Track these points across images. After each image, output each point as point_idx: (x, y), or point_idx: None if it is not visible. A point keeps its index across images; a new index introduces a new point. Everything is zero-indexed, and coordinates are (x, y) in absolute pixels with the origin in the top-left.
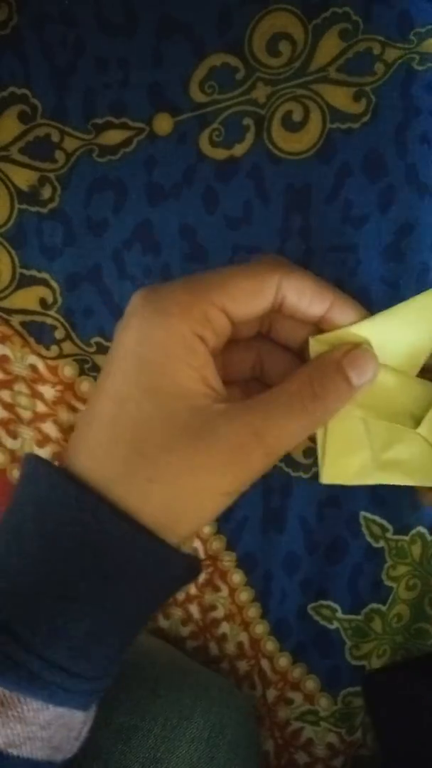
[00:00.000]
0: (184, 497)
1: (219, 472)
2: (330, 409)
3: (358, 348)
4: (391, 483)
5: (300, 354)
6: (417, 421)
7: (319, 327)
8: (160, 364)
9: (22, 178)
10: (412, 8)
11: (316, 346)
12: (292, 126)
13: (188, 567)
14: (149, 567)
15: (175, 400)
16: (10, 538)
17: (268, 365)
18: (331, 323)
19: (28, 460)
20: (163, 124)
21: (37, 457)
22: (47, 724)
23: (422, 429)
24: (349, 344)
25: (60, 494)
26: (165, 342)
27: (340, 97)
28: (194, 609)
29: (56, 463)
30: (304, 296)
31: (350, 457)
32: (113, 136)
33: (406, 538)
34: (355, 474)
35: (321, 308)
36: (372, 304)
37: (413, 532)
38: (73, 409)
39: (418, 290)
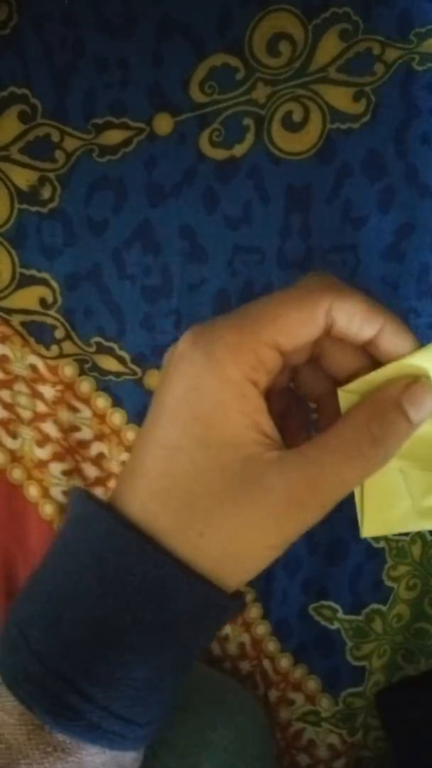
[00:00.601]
0: (235, 551)
1: (272, 527)
2: (390, 452)
3: (417, 382)
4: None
5: (346, 380)
6: None
7: (368, 351)
8: (211, 413)
9: (22, 178)
10: (412, 8)
11: (346, 397)
12: (292, 126)
13: (236, 611)
14: (208, 615)
15: (228, 451)
16: (67, 584)
17: (310, 388)
18: (379, 347)
19: (77, 497)
20: (163, 124)
21: (88, 495)
22: (102, 765)
23: None
24: (407, 377)
25: (120, 543)
26: (216, 390)
27: (340, 98)
28: None
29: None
30: (355, 319)
31: (390, 509)
32: (113, 136)
33: (407, 538)
34: (396, 524)
35: (371, 331)
36: None
37: (414, 531)
38: (73, 409)
39: (419, 291)
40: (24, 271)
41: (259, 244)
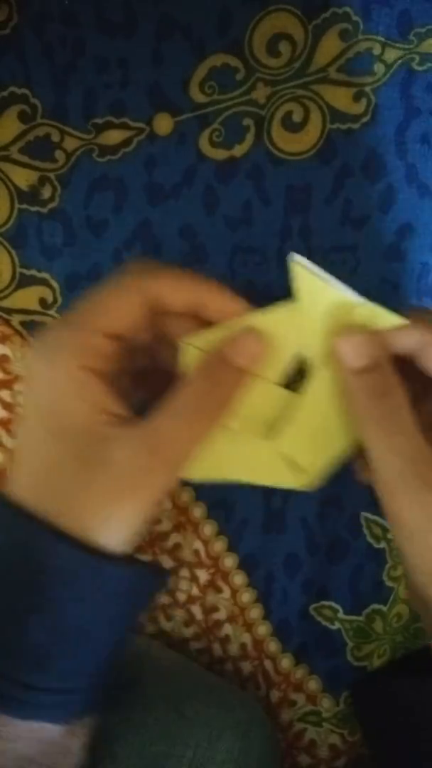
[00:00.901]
0: (97, 527)
1: (127, 499)
2: (224, 407)
3: (245, 333)
4: (246, 482)
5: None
6: (270, 429)
7: (204, 320)
8: (59, 406)
9: (22, 178)
10: (412, 8)
11: (188, 351)
12: (292, 126)
13: (136, 578)
14: (83, 575)
15: (81, 437)
16: None
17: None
18: (211, 312)
19: None
20: (163, 124)
21: None
22: (17, 737)
23: (272, 438)
24: (236, 333)
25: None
26: (55, 382)
27: (340, 98)
28: (197, 610)
29: None
30: (176, 293)
31: (216, 457)
32: (113, 136)
33: None
34: (220, 472)
35: (191, 299)
36: None
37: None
38: None
39: (419, 291)
40: (24, 271)
41: (259, 245)
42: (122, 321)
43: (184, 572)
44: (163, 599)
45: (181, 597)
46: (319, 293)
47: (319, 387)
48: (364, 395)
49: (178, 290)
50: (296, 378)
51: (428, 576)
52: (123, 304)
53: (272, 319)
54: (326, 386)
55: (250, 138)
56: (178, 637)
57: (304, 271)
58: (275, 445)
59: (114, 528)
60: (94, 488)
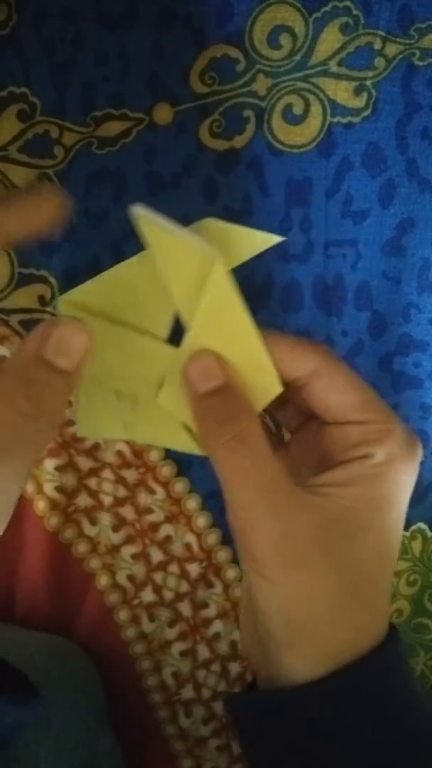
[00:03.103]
0: None
1: None
2: (50, 416)
3: (58, 326)
4: (142, 442)
5: None
6: (159, 389)
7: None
8: None
9: (21, 177)
10: (413, 4)
11: (68, 308)
12: (292, 119)
13: None
14: None
15: None
16: None
17: None
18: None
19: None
20: (163, 113)
21: None
22: None
23: (161, 397)
24: (45, 323)
25: None
26: None
27: (340, 91)
28: (185, 607)
29: None
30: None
31: (101, 416)
32: (113, 128)
33: (407, 534)
34: (107, 431)
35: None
36: (373, 299)
37: (414, 528)
38: (72, 405)
39: (420, 286)
40: (23, 270)
41: None
42: None
43: (173, 568)
44: (149, 597)
45: (169, 594)
46: (166, 243)
47: (193, 343)
48: (212, 419)
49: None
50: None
51: (270, 617)
52: None
53: (138, 272)
54: (200, 342)
55: (250, 129)
56: (159, 639)
57: (149, 224)
58: (164, 405)
59: None
60: None
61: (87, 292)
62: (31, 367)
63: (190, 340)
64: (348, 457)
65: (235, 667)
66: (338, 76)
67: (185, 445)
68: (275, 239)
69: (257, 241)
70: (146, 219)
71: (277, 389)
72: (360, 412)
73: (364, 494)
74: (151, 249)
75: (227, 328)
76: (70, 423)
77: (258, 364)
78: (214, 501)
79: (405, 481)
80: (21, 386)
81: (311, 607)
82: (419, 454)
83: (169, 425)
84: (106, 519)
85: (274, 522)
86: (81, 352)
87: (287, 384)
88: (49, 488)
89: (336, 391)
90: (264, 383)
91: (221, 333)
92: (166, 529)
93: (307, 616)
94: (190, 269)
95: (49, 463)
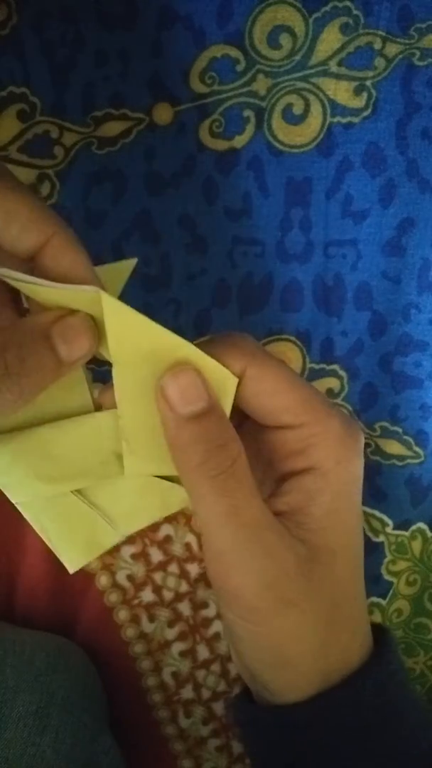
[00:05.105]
0: None
1: None
2: (28, 390)
3: (76, 315)
4: (139, 528)
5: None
6: (120, 457)
7: (35, 269)
8: None
9: (21, 177)
10: (413, 4)
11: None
12: (292, 119)
13: None
14: None
15: None
16: None
17: None
18: (45, 265)
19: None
20: (163, 113)
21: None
22: None
23: (126, 465)
24: (63, 310)
25: None
26: None
27: (340, 91)
28: (184, 607)
29: None
30: (13, 223)
31: (84, 534)
32: (113, 128)
33: (407, 533)
34: (97, 546)
35: (34, 240)
36: (373, 299)
37: (414, 527)
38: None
39: (420, 286)
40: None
41: (259, 236)
42: None
43: (173, 568)
44: (149, 597)
45: (168, 594)
46: (55, 299)
47: (123, 392)
48: (198, 450)
49: (26, 225)
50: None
51: (259, 661)
52: None
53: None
54: (128, 387)
55: (250, 129)
56: (159, 639)
57: (19, 284)
58: (136, 473)
59: None
60: None
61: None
62: (35, 335)
63: (119, 385)
64: (293, 468)
65: (234, 668)
66: (338, 76)
67: (179, 501)
68: (132, 262)
69: (120, 271)
70: (24, 284)
71: (232, 381)
72: (293, 415)
73: (326, 511)
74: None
75: (147, 347)
76: None
77: (200, 365)
78: None
79: (354, 478)
80: (11, 343)
81: (301, 643)
82: (361, 438)
83: (151, 491)
84: None
85: (267, 562)
86: (81, 349)
87: None
88: None
89: (265, 394)
90: (216, 381)
91: (144, 356)
92: (166, 529)
93: (297, 654)
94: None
95: None
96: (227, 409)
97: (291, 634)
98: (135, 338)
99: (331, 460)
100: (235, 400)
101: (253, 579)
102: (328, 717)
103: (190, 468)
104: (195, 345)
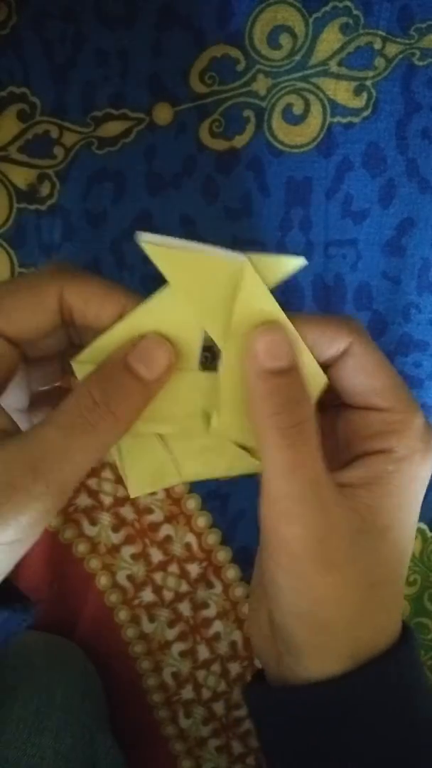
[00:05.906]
0: None
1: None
2: (122, 418)
3: (144, 338)
4: (199, 479)
5: None
6: (208, 416)
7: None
8: None
9: (21, 177)
10: (413, 4)
11: (81, 369)
12: (292, 119)
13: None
14: None
15: None
16: None
17: None
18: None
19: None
20: (163, 113)
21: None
22: None
23: (214, 425)
24: (135, 338)
25: None
26: None
27: (340, 91)
28: (185, 607)
29: None
30: (91, 301)
31: (151, 470)
32: (113, 128)
33: None
34: (160, 482)
35: (113, 312)
36: (373, 299)
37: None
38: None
39: (420, 286)
40: (23, 270)
41: (259, 237)
42: (29, 326)
43: (173, 568)
44: (149, 598)
45: (169, 595)
46: (182, 265)
47: (230, 361)
48: (273, 401)
49: (102, 303)
50: (209, 357)
51: (295, 617)
52: (32, 306)
53: (156, 310)
54: (235, 358)
55: (250, 129)
56: (159, 640)
57: (157, 248)
58: (219, 433)
59: None
60: None
61: (97, 350)
62: (115, 369)
63: (227, 355)
64: (368, 449)
65: (235, 667)
66: (338, 76)
67: (244, 467)
68: (298, 262)
69: (282, 265)
70: (155, 246)
71: (322, 381)
72: (384, 398)
73: (388, 492)
74: (165, 272)
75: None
76: None
77: (301, 360)
78: (213, 501)
79: (423, 476)
80: (100, 380)
81: (338, 608)
82: None
83: (223, 453)
84: (106, 519)
85: (321, 518)
86: (162, 364)
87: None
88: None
89: (364, 373)
90: (309, 377)
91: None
92: (166, 529)
93: (333, 618)
94: (216, 284)
95: None
96: (314, 398)
97: (330, 595)
98: (257, 316)
99: (409, 449)
100: (330, 376)
101: (304, 530)
102: (362, 694)
103: (263, 416)
104: (310, 320)
